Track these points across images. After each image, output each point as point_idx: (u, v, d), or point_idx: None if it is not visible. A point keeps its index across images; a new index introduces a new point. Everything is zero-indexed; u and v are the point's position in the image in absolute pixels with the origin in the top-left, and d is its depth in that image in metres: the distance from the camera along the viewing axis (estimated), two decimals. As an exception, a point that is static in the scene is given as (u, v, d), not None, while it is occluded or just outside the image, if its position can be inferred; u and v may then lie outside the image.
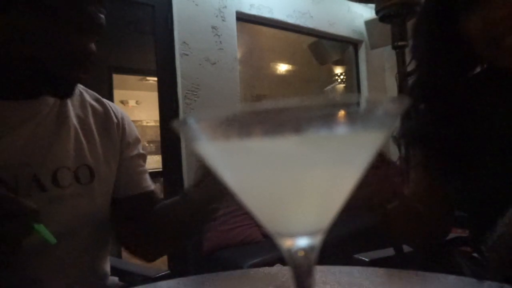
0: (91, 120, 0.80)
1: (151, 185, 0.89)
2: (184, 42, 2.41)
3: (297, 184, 0.25)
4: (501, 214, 0.65)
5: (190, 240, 0.91)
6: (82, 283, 0.75)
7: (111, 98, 3.50)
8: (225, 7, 2.61)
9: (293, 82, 3.83)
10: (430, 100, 0.72)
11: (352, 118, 0.23)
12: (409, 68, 0.77)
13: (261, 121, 0.23)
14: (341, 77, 4.04)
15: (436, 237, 0.81)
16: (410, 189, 0.78)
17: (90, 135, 0.79)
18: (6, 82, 0.68)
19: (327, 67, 4.07)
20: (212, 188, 0.72)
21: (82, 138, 0.77)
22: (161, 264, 2.32)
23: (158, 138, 2.47)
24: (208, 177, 0.72)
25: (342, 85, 4.02)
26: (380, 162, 0.62)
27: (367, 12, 3.53)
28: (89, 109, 0.82)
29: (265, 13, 2.88)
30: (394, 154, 0.95)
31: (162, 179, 2.41)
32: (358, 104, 0.24)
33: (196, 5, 2.47)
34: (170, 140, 2.38)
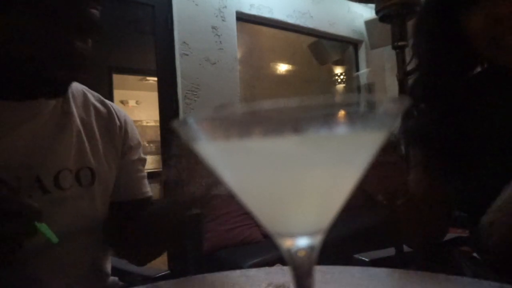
0: (94, 122, 0.80)
1: (148, 191, 0.89)
2: (184, 42, 2.41)
3: (297, 184, 0.25)
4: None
5: (178, 244, 0.90)
6: (83, 283, 0.75)
7: (111, 98, 3.50)
8: (225, 7, 2.61)
9: (293, 82, 3.83)
10: (430, 99, 0.72)
11: (352, 118, 0.23)
12: (410, 67, 0.77)
13: (261, 121, 0.23)
14: (341, 77, 4.04)
15: (435, 237, 0.81)
16: (410, 188, 0.78)
17: (93, 136, 0.78)
18: (6, 83, 0.68)
19: (327, 67, 4.07)
20: (194, 193, 0.71)
21: (85, 140, 0.76)
22: (161, 264, 2.32)
23: (158, 138, 2.48)
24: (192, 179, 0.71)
25: (342, 85, 4.03)
26: (392, 158, 0.62)
27: (367, 12, 3.53)
28: (92, 110, 0.81)
29: (265, 13, 2.88)
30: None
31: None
32: (358, 104, 0.24)
33: (196, 5, 2.47)
34: (170, 140, 2.37)
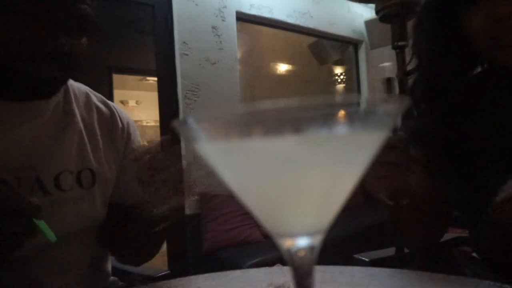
0: (96, 123, 0.79)
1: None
2: (184, 42, 2.41)
3: (297, 184, 0.25)
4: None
5: (155, 248, 0.88)
6: (83, 283, 0.75)
7: (111, 98, 3.50)
8: (225, 7, 2.61)
9: (293, 82, 3.83)
10: (430, 99, 0.72)
11: (352, 118, 0.23)
12: (409, 67, 0.77)
13: (261, 121, 0.23)
14: (341, 77, 4.04)
15: (434, 237, 0.81)
16: (412, 188, 0.78)
17: (94, 137, 0.78)
18: (4, 83, 0.68)
19: (327, 67, 4.07)
20: (157, 213, 0.71)
21: (86, 141, 0.76)
22: (161, 264, 2.32)
23: (158, 138, 2.47)
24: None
25: (342, 85, 4.03)
26: (401, 159, 0.62)
27: (367, 12, 3.53)
28: (95, 111, 0.81)
29: (265, 13, 2.88)
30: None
31: (162, 179, 2.41)
32: (358, 104, 0.24)
33: (196, 5, 2.47)
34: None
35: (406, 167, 0.63)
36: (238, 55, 2.75)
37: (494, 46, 0.63)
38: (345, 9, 3.48)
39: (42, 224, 0.55)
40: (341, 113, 0.23)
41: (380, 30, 3.00)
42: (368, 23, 3.37)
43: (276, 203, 0.27)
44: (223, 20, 2.60)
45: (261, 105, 0.22)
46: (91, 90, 0.84)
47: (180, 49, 2.39)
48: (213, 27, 2.55)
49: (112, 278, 0.87)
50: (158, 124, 2.68)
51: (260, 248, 2.13)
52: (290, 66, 3.85)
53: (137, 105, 5.53)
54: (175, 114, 2.37)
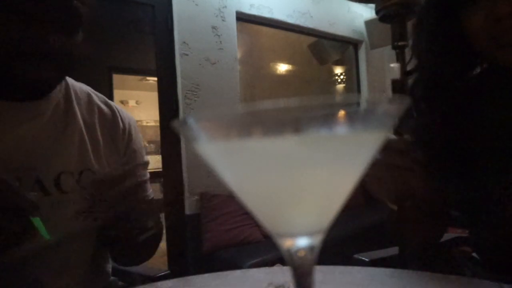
0: (97, 123, 0.79)
1: (148, 195, 0.88)
2: (184, 42, 2.41)
3: (297, 184, 0.25)
4: (501, 215, 0.65)
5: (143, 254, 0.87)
6: (83, 284, 0.75)
7: (111, 98, 3.49)
8: (225, 7, 2.61)
9: (293, 82, 3.83)
10: (430, 99, 0.72)
11: (352, 118, 0.23)
12: (409, 67, 0.77)
13: (261, 121, 0.23)
14: (341, 77, 4.05)
15: (433, 237, 0.80)
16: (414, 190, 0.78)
17: (95, 138, 0.78)
18: (3, 83, 0.68)
19: (327, 67, 4.07)
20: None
21: (87, 142, 0.76)
22: (161, 264, 2.32)
23: (158, 138, 2.48)
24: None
25: (342, 85, 4.03)
26: (407, 162, 0.62)
27: (367, 12, 3.53)
28: (96, 111, 0.80)
29: (265, 13, 2.88)
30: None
31: (162, 179, 2.41)
32: (358, 104, 0.24)
33: (196, 5, 2.47)
34: (170, 140, 2.38)
35: (410, 170, 0.62)
36: (238, 55, 2.75)
37: (494, 46, 0.63)
38: (345, 9, 3.48)
39: (37, 221, 0.55)
40: (341, 113, 0.23)
41: (380, 30, 3.00)
42: (368, 23, 3.37)
43: (276, 203, 0.27)
44: (223, 20, 2.60)
45: (261, 105, 0.22)
46: (92, 90, 0.84)
47: (180, 49, 2.39)
48: (213, 27, 2.55)
49: (112, 278, 0.87)
50: (158, 124, 2.68)
51: (260, 248, 2.13)
52: (290, 66, 3.85)
53: (137, 105, 5.53)
54: (175, 114, 2.37)
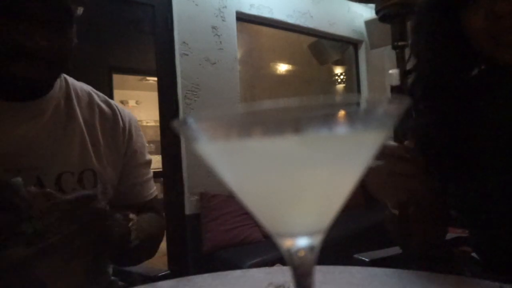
0: (98, 123, 0.79)
1: (151, 193, 0.88)
2: (184, 42, 2.41)
3: (297, 184, 0.25)
4: (501, 215, 0.65)
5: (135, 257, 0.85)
6: (84, 284, 0.75)
7: (111, 98, 3.49)
8: (225, 7, 2.61)
9: (293, 82, 3.83)
10: (430, 99, 0.72)
11: (352, 118, 0.23)
12: (408, 66, 0.77)
13: (261, 121, 0.23)
14: (341, 77, 4.05)
15: (435, 238, 0.80)
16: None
17: (95, 138, 0.77)
18: (1, 84, 0.67)
19: (327, 67, 4.07)
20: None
21: (88, 142, 0.76)
22: (161, 264, 2.32)
23: (158, 138, 2.48)
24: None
25: (342, 85, 4.03)
26: (411, 169, 0.62)
27: (367, 12, 3.53)
28: (97, 111, 0.80)
29: (265, 13, 2.88)
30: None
31: (162, 179, 2.42)
32: (358, 104, 0.24)
33: (196, 5, 2.47)
34: (170, 140, 2.38)
35: (412, 176, 0.62)
36: (238, 55, 2.75)
37: (494, 45, 0.62)
38: (345, 9, 3.48)
39: (18, 182, 0.54)
40: (341, 113, 0.23)
41: (380, 30, 3.00)
42: (368, 23, 3.37)
43: (276, 203, 0.27)
44: (223, 20, 2.60)
45: (261, 105, 0.22)
46: (93, 89, 0.84)
47: (180, 49, 2.39)
48: (213, 27, 2.55)
49: (112, 278, 0.87)
50: (158, 124, 2.68)
51: (260, 248, 2.13)
52: (290, 66, 3.85)
53: (137, 105, 5.53)
54: (175, 114, 2.37)
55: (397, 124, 0.26)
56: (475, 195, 0.67)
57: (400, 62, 0.77)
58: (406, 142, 0.66)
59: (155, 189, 0.90)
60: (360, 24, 3.54)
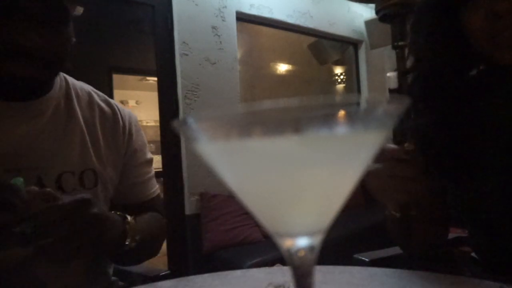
0: (98, 122, 0.79)
1: (154, 191, 0.87)
2: (184, 42, 2.41)
3: (297, 184, 0.25)
4: (501, 215, 0.65)
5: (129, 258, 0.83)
6: (84, 284, 0.75)
7: (110, 98, 3.49)
8: (225, 7, 2.61)
9: (293, 82, 3.83)
10: (429, 99, 0.72)
11: (352, 118, 0.23)
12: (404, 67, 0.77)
13: (261, 121, 0.23)
14: (341, 77, 4.05)
15: (436, 238, 0.80)
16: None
17: (96, 137, 0.77)
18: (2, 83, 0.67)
19: (327, 67, 4.07)
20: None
21: (88, 141, 0.76)
22: (161, 264, 2.32)
23: (158, 138, 2.48)
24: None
25: (342, 85, 4.03)
26: (412, 172, 0.62)
27: (367, 12, 3.53)
28: (97, 110, 0.80)
29: (265, 13, 2.88)
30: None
31: (162, 179, 2.41)
32: (358, 104, 0.24)
33: (196, 5, 2.47)
34: (170, 140, 2.38)
35: (412, 179, 0.62)
36: (238, 55, 2.75)
37: (493, 45, 0.62)
38: (345, 9, 3.48)
39: (19, 182, 0.54)
40: (341, 113, 0.23)
41: (380, 30, 3.00)
42: (368, 23, 3.37)
43: (276, 203, 0.27)
44: (223, 20, 2.60)
45: (261, 105, 0.22)
46: (93, 89, 0.83)
47: (180, 49, 2.39)
48: (213, 27, 2.55)
49: (112, 278, 0.87)
50: (158, 124, 2.68)
51: (260, 248, 2.13)
52: (290, 66, 3.85)
53: (137, 105, 5.53)
54: (175, 114, 2.37)
55: (396, 124, 0.26)
56: (475, 195, 0.67)
57: (400, 62, 0.77)
58: (406, 144, 0.66)
59: (157, 188, 0.90)
60: (360, 24, 3.54)
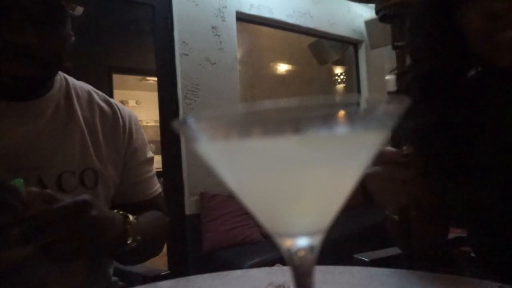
0: (98, 122, 0.79)
1: (154, 191, 0.87)
2: (184, 42, 2.41)
3: (297, 184, 0.25)
4: (500, 215, 0.65)
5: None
6: (84, 285, 0.75)
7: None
8: (225, 7, 2.61)
9: (293, 82, 3.83)
10: (427, 99, 0.72)
11: (352, 118, 0.23)
12: (402, 67, 0.76)
13: (261, 121, 0.23)
14: (341, 77, 4.05)
15: (439, 239, 0.80)
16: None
17: (96, 137, 0.77)
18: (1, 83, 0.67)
19: (327, 67, 4.07)
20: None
21: (88, 140, 0.76)
22: (161, 264, 2.32)
23: (158, 138, 2.48)
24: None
25: (342, 85, 4.03)
26: (410, 174, 0.62)
27: (367, 12, 3.53)
28: (97, 110, 0.80)
29: (265, 13, 2.88)
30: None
31: (162, 179, 2.42)
32: (358, 104, 0.24)
33: (196, 5, 2.47)
34: (170, 140, 2.38)
35: (412, 182, 0.62)
36: (238, 55, 2.75)
37: (490, 45, 0.62)
38: (345, 9, 3.48)
39: (19, 183, 0.54)
40: (341, 113, 0.23)
41: (380, 30, 3.00)
42: (368, 23, 3.37)
43: (276, 203, 0.27)
44: (223, 20, 2.60)
45: (261, 105, 0.22)
46: (93, 88, 0.83)
47: (180, 49, 2.39)
48: (213, 27, 2.55)
49: (112, 278, 0.87)
50: (158, 124, 2.68)
51: (260, 248, 2.13)
52: (290, 66, 3.85)
53: (137, 105, 5.53)
54: (175, 114, 2.37)
55: (394, 127, 0.26)
56: (474, 195, 0.67)
57: (400, 62, 0.77)
58: (404, 147, 0.65)
59: (158, 186, 0.90)
60: (360, 24, 3.54)
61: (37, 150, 0.69)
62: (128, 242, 0.68)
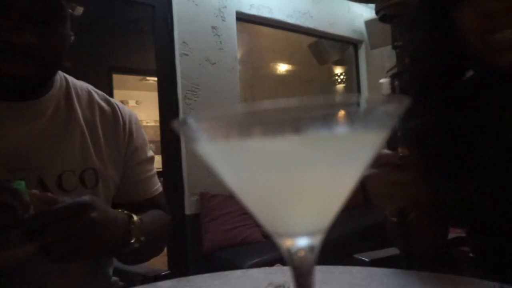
0: (98, 121, 0.79)
1: (155, 190, 0.87)
2: (184, 42, 2.41)
3: (297, 184, 0.25)
4: (500, 215, 0.65)
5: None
6: (84, 285, 0.75)
7: (111, 98, 3.49)
8: (225, 7, 2.61)
9: (293, 82, 3.83)
10: (424, 99, 0.72)
11: (352, 118, 0.23)
12: (401, 67, 0.76)
13: (261, 121, 0.23)
14: (341, 77, 4.05)
15: (438, 239, 0.80)
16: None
17: (96, 136, 0.77)
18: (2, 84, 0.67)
19: (327, 67, 4.07)
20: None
21: (89, 140, 0.76)
22: (161, 264, 2.32)
23: (158, 138, 2.48)
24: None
25: (342, 85, 4.03)
26: (408, 177, 0.61)
27: (367, 12, 3.53)
28: (97, 109, 0.80)
29: (265, 13, 2.88)
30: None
31: (162, 179, 2.42)
32: (358, 104, 0.24)
33: (196, 5, 2.47)
34: (170, 140, 2.38)
35: (410, 184, 0.62)
36: (238, 55, 2.75)
37: (486, 46, 0.62)
38: (345, 9, 3.48)
39: (21, 185, 0.54)
40: (341, 113, 0.23)
41: (380, 30, 3.00)
42: (368, 23, 3.37)
43: (276, 203, 0.27)
44: (223, 20, 2.60)
45: (261, 105, 0.22)
46: (93, 88, 0.83)
47: (180, 49, 2.39)
48: (213, 27, 2.55)
49: (112, 278, 0.87)
50: (158, 124, 2.68)
51: (260, 248, 2.13)
52: (290, 66, 3.85)
53: (137, 105, 5.54)
54: (175, 114, 2.37)
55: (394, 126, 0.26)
56: (474, 195, 0.67)
57: (400, 62, 0.77)
58: (400, 150, 0.65)
59: (159, 186, 0.90)
60: (360, 24, 3.54)
61: (37, 150, 0.69)
62: (132, 242, 0.68)
